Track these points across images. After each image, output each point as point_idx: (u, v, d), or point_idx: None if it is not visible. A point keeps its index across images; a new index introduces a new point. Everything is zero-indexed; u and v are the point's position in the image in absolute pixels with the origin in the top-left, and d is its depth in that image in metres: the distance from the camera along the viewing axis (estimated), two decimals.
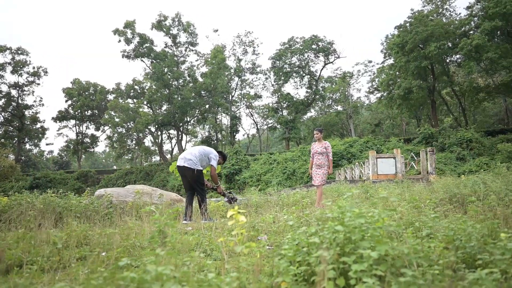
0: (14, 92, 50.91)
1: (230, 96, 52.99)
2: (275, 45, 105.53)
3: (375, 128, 53.31)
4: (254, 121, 58.10)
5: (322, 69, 49.88)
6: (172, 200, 6.96)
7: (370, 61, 51.01)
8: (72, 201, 6.14)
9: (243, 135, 65.35)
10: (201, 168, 6.34)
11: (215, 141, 52.12)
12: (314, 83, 50.03)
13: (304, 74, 49.92)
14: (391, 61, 42.37)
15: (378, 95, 51.12)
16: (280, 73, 49.32)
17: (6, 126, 51.49)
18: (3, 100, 50.06)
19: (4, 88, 50.13)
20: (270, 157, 38.45)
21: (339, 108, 53.32)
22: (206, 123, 52.04)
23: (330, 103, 54.36)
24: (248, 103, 56.03)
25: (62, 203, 6.16)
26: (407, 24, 35.77)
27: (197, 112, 49.52)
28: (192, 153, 6.41)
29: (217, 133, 53.38)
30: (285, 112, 50.82)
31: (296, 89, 53.39)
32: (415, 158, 17.57)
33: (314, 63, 49.93)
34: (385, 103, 40.43)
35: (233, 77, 53.13)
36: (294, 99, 49.48)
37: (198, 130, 56.35)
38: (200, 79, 48.46)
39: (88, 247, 2.86)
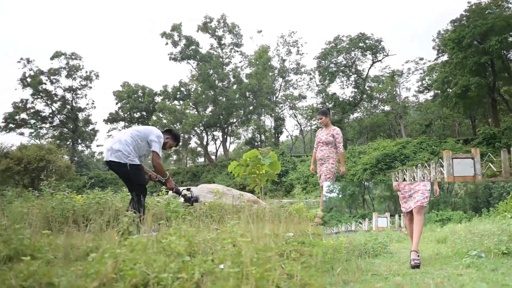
0: (68, 96, 53.26)
1: (274, 97, 52.71)
2: (320, 44, 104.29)
3: (426, 129, 51.17)
4: (298, 122, 57.50)
5: (370, 68, 48.44)
6: (250, 201, 6.63)
7: (421, 59, 48.66)
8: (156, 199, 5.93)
9: (287, 137, 64.90)
10: (136, 162, 4.45)
11: (259, 143, 52.01)
12: (361, 82, 48.67)
13: (350, 73, 48.69)
14: (444, 57, 40.40)
15: (429, 94, 49.04)
16: (326, 73, 48.35)
17: (61, 128, 53.94)
18: (58, 103, 52.47)
19: (60, 92, 52.59)
20: None
21: (387, 108, 51.60)
22: (250, 125, 52.01)
23: (376, 103, 52.69)
24: (291, 104, 55.54)
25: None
26: (464, 18, 33.91)
27: (242, 113, 49.56)
28: (122, 140, 4.49)
29: (260, 135, 53.26)
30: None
31: (342, 89, 52.56)
32: (494, 159, 16.38)
33: (361, 62, 48.58)
34: (440, 102, 38.55)
35: (276, 77, 52.83)
36: (340, 99, 48.37)
37: (241, 131, 56.49)
38: (245, 80, 48.47)
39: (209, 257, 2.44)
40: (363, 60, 48.51)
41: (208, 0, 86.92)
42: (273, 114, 51.53)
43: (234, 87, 48.20)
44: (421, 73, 49.11)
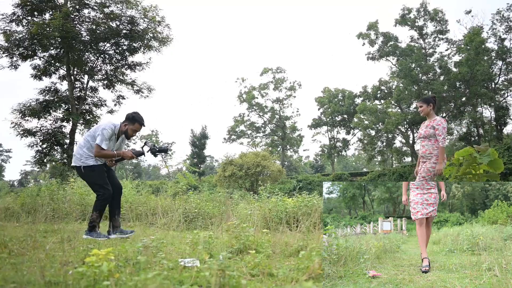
0: (276, 106, 58.88)
1: (493, 83, 45.57)
2: None
3: None
4: None
5: None
6: None
7: None
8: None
9: None
10: (90, 163, 4.44)
11: (476, 138, 45.85)
12: None
13: None
14: None
15: None
16: None
17: (272, 136, 60.08)
18: (269, 114, 58.64)
19: (269, 104, 58.75)
20: None
21: None
22: (464, 118, 46.40)
23: None
24: None
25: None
26: None
27: (452, 106, 44.71)
28: (78, 143, 4.62)
29: (477, 128, 46.85)
30: None
31: None
32: None
33: None
34: None
35: (494, 61, 45.57)
36: None
37: (453, 126, 50.81)
38: (454, 69, 43.62)
39: None
40: None
41: None
42: (492, 104, 44.59)
43: (441, 78, 43.97)
44: None
